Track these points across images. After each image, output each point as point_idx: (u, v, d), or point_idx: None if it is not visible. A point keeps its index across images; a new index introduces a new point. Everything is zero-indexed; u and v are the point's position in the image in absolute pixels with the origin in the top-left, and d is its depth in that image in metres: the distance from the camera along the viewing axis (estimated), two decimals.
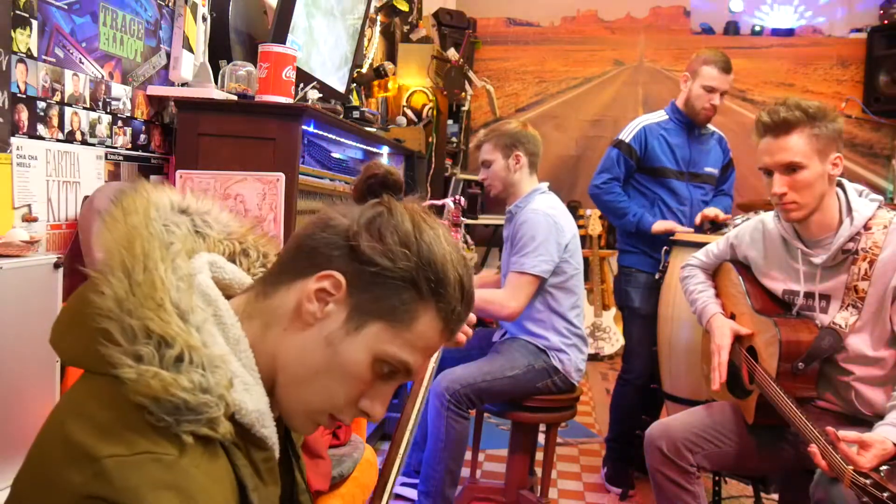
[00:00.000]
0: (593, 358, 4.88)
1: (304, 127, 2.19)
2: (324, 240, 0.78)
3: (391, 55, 4.44)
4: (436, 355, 1.20)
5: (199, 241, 0.83)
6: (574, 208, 5.06)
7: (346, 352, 0.76)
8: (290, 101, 2.15)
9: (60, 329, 0.76)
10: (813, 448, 1.51)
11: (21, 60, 1.57)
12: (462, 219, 1.74)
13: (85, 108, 1.81)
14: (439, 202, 1.73)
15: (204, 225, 0.86)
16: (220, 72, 2.20)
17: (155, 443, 0.65)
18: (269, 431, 0.75)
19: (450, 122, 4.71)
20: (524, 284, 2.33)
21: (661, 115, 2.88)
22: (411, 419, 1.04)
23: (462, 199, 1.80)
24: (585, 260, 3.76)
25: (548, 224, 2.36)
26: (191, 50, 2.21)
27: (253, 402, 0.73)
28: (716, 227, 2.63)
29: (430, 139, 4.09)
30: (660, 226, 2.72)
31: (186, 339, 0.69)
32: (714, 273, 2.14)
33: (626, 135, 2.85)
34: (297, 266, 0.79)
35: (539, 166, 2.56)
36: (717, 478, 2.33)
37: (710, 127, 2.92)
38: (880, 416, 1.60)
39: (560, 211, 2.46)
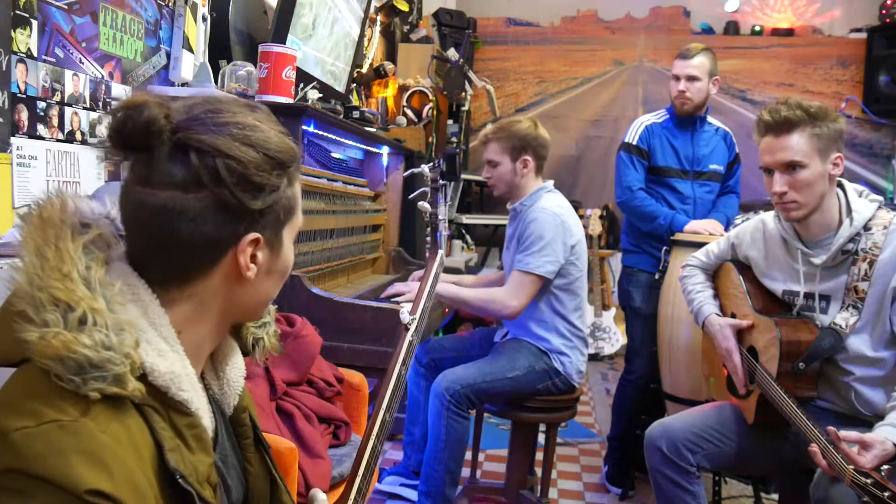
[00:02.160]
0: (593, 358, 4.89)
1: (304, 127, 2.19)
2: (201, 226, 0.76)
3: (391, 55, 4.44)
4: (413, 326, 1.23)
5: (121, 242, 0.83)
6: (574, 209, 5.05)
7: (283, 264, 0.86)
8: (290, 101, 2.15)
9: None
10: (813, 448, 1.51)
11: (21, 60, 1.57)
12: (442, 181, 1.71)
13: (85, 108, 1.81)
14: (416, 169, 1.72)
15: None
16: (220, 72, 2.20)
17: (60, 409, 0.66)
18: (189, 395, 0.76)
19: (450, 122, 4.71)
20: (527, 283, 2.32)
21: (661, 115, 2.88)
22: (391, 382, 1.06)
23: (441, 161, 1.78)
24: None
25: (556, 224, 2.34)
26: (191, 50, 2.21)
27: (166, 364, 0.74)
28: None
29: (430, 139, 4.09)
30: (691, 226, 2.65)
31: (90, 303, 0.71)
32: (715, 273, 2.14)
33: (632, 136, 2.84)
34: (197, 262, 0.78)
35: (542, 168, 2.52)
36: (717, 478, 2.33)
37: (715, 123, 2.92)
38: (880, 417, 1.60)
39: (567, 211, 2.44)
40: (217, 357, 0.91)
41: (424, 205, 1.68)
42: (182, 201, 0.74)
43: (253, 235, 0.79)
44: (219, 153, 0.75)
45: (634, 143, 2.82)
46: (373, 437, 1.01)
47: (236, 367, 0.92)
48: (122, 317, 0.72)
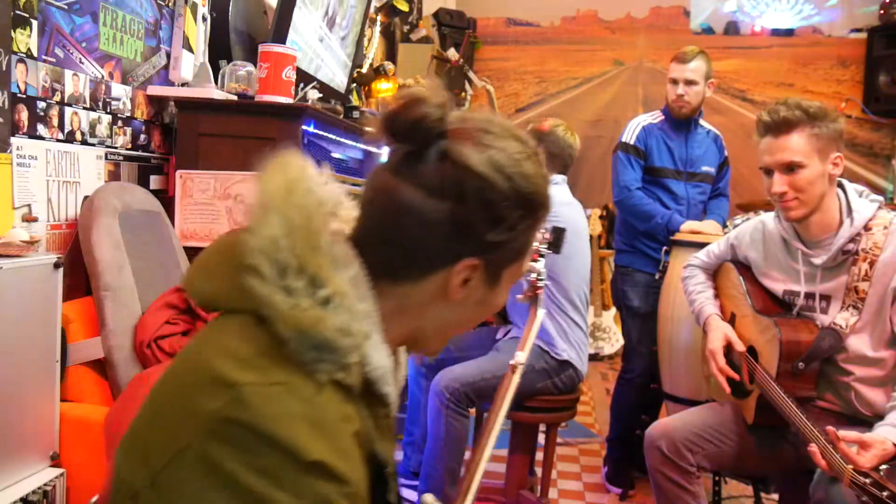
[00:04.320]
0: (593, 358, 4.88)
1: (304, 127, 2.19)
2: (429, 234, 0.75)
3: (391, 55, 4.44)
4: (520, 369, 1.31)
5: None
6: None
7: (492, 300, 0.83)
8: (290, 101, 2.15)
9: (198, 270, 0.76)
10: (813, 448, 1.51)
11: (21, 60, 1.58)
12: (546, 250, 2.01)
13: (85, 108, 1.81)
14: None
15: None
16: (220, 72, 2.20)
17: (293, 375, 0.66)
18: (391, 389, 0.77)
19: None
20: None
21: (657, 116, 2.89)
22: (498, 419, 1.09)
23: (548, 231, 1.95)
24: None
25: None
26: (191, 50, 2.21)
27: (381, 358, 0.75)
28: None
29: None
30: (688, 226, 2.66)
31: (339, 284, 0.70)
32: (715, 273, 2.14)
33: (629, 136, 2.84)
34: (412, 265, 0.77)
35: (558, 167, 2.47)
36: (717, 478, 2.33)
37: (706, 125, 2.94)
38: (880, 417, 1.60)
39: (574, 209, 2.42)
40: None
41: (533, 265, 1.85)
42: (422, 204, 0.74)
43: (473, 261, 0.76)
44: (472, 172, 0.73)
45: (632, 142, 2.83)
46: (483, 460, 1.01)
47: (401, 374, 0.92)
48: (360, 305, 0.72)
